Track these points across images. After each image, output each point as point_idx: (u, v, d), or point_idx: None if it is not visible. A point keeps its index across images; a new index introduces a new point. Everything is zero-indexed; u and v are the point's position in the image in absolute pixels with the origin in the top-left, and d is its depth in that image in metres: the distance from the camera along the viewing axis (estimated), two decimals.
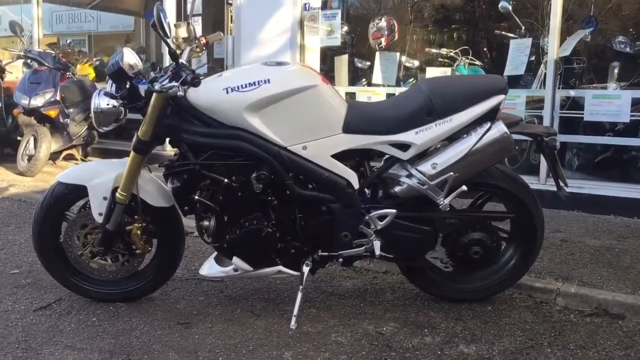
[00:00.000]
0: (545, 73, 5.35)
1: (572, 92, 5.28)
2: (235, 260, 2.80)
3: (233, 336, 2.69)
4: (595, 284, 3.19)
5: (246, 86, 2.62)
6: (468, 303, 3.00)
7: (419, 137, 2.69)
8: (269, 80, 2.64)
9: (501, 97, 2.72)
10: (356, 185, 2.75)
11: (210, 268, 2.92)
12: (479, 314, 2.91)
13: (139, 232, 2.90)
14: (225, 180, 2.68)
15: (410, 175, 2.71)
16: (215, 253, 2.93)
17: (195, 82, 2.43)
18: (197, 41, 2.92)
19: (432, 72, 6.01)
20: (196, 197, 2.70)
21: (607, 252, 3.78)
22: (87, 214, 2.90)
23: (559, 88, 5.20)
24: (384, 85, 6.28)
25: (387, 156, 2.80)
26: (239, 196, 2.72)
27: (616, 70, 5.37)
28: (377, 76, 6.36)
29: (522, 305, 3.03)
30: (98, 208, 2.83)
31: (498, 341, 2.64)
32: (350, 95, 6.16)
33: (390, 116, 2.73)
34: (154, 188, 2.88)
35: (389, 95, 5.98)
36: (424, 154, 2.75)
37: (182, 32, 2.89)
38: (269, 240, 2.75)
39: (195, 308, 2.99)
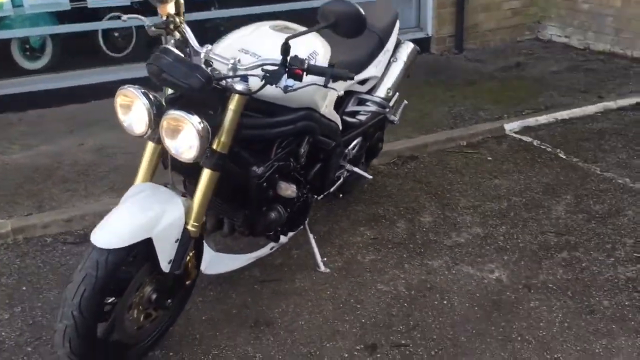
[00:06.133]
0: None
1: None
2: (282, 238, 2.76)
3: (317, 313, 2.78)
4: None
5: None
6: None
7: (378, 69, 3.12)
8: (316, 52, 2.53)
9: (398, 20, 3.35)
10: (340, 126, 3.00)
11: (228, 261, 2.74)
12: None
13: (193, 259, 2.40)
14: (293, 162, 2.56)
15: (373, 103, 3.15)
16: (209, 249, 2.72)
17: (350, 76, 2.17)
18: (183, 16, 2.32)
19: None
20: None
21: None
22: (145, 271, 2.19)
23: None
24: None
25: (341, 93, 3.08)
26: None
27: None
28: None
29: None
30: (167, 256, 2.18)
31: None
32: None
33: (358, 58, 3.00)
34: None
35: None
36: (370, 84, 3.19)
37: (171, 8, 2.25)
38: (307, 203, 2.80)
39: (236, 307, 2.75)
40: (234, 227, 2.62)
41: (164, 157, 2.33)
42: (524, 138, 4.44)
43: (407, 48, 3.35)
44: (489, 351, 2.46)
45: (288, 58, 2.12)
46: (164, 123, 2.08)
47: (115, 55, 5.70)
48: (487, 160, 4.14)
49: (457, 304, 2.75)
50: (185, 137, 2.06)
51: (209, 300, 2.81)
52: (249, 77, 2.19)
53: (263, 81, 2.15)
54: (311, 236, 2.97)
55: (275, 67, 2.14)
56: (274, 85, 2.15)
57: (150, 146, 2.30)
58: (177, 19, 2.27)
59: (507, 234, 3.26)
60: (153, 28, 2.30)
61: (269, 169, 2.39)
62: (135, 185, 2.27)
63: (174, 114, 2.05)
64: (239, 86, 2.16)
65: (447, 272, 2.97)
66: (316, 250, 2.98)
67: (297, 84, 2.18)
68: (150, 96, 2.14)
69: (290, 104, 2.45)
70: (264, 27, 2.58)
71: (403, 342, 2.53)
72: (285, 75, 2.14)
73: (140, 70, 5.48)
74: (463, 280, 2.90)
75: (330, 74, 2.14)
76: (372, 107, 3.14)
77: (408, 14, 6.46)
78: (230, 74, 2.18)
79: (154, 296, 2.26)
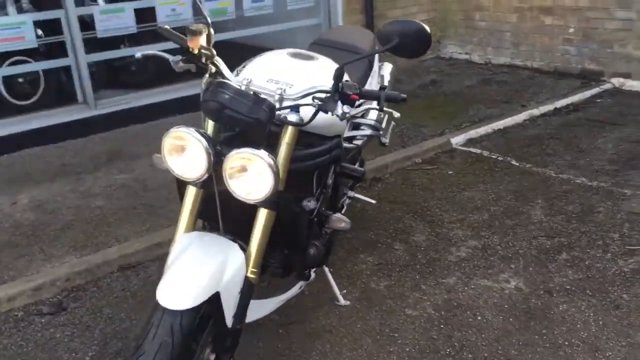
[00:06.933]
0: None
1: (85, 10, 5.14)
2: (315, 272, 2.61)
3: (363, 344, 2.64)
4: None
5: None
6: None
7: None
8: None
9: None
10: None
11: (258, 307, 2.53)
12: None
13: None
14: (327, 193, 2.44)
15: (367, 127, 3.07)
16: None
17: (403, 97, 2.08)
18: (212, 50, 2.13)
19: None
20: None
21: None
22: (210, 330, 1.95)
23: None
24: None
25: None
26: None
27: None
28: None
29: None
30: (232, 309, 1.97)
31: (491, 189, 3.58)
32: None
33: (359, 81, 2.92)
34: None
35: None
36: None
37: (203, 40, 2.05)
38: (334, 235, 2.66)
39: (269, 355, 2.53)
40: (264, 269, 2.41)
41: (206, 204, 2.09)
42: (473, 150, 4.57)
43: (388, 68, 3.32)
44: None
45: (340, 84, 2.01)
46: (228, 164, 1.87)
47: (22, 103, 5.16)
48: (448, 174, 4.19)
49: (491, 317, 2.72)
50: (256, 175, 1.86)
51: (236, 353, 2.55)
52: (300, 107, 2.04)
53: (316, 110, 2.01)
54: (327, 269, 2.82)
55: (327, 95, 2.01)
56: (328, 113, 2.02)
57: (192, 191, 2.07)
58: (212, 51, 2.05)
59: (502, 243, 3.30)
60: (181, 63, 2.07)
61: (318, 202, 2.24)
62: (181, 236, 2.02)
63: (242, 152, 1.84)
64: (293, 117, 2.01)
65: (466, 288, 2.94)
66: (334, 283, 2.84)
67: (353, 109, 2.05)
68: (206, 136, 1.91)
69: (327, 132, 2.32)
70: (282, 55, 2.45)
71: None
72: (339, 102, 2.01)
73: (54, 117, 5.09)
74: (485, 293, 2.89)
75: (385, 97, 2.05)
76: (367, 131, 3.06)
77: None
78: (277, 105, 2.02)
79: (212, 357, 2.01)
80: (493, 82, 6.19)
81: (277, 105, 2.02)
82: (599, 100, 5.54)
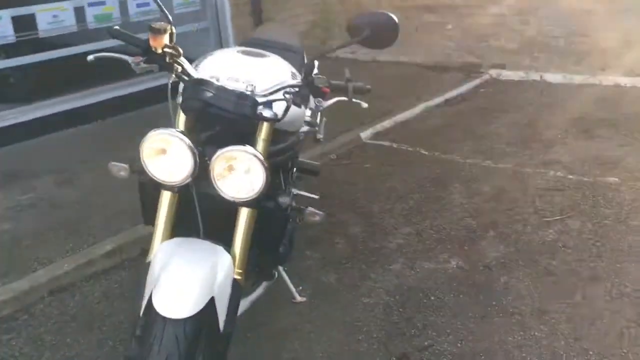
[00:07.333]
0: None
1: None
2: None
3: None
4: None
5: None
6: None
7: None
8: (295, 74, 2.45)
9: None
10: None
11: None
12: None
13: None
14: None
15: (305, 123, 3.10)
16: None
17: (368, 88, 2.13)
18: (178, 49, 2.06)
19: None
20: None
21: None
22: (204, 337, 1.89)
23: None
24: None
25: None
26: None
27: None
28: None
29: None
30: (224, 314, 1.93)
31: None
32: None
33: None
34: None
35: None
36: None
37: (166, 39, 1.98)
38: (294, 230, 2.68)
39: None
40: None
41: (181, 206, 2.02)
42: (383, 143, 4.75)
43: (315, 64, 3.36)
44: (501, 330, 2.62)
45: (311, 78, 2.03)
46: (216, 164, 1.82)
47: None
48: (365, 167, 4.33)
49: (443, 296, 2.86)
50: (244, 172, 1.83)
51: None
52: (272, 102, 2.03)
53: (288, 104, 2.01)
54: (281, 268, 2.82)
55: (297, 89, 2.03)
56: (302, 107, 2.04)
57: (167, 197, 1.99)
58: (178, 50, 1.98)
59: (433, 227, 3.47)
60: (142, 64, 1.98)
61: (292, 197, 2.24)
62: (163, 243, 1.94)
63: (229, 150, 1.81)
64: (268, 113, 1.99)
65: (412, 272, 3.06)
66: (289, 281, 2.84)
67: (325, 102, 2.09)
68: (188, 137, 1.85)
69: (292, 127, 2.33)
70: (233, 53, 2.42)
71: (426, 343, 2.55)
72: (311, 95, 2.04)
73: None
74: (431, 274, 3.03)
75: (352, 88, 2.10)
76: (305, 128, 3.09)
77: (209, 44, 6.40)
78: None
79: None
80: (382, 78, 6.43)
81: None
82: (482, 90, 5.96)
